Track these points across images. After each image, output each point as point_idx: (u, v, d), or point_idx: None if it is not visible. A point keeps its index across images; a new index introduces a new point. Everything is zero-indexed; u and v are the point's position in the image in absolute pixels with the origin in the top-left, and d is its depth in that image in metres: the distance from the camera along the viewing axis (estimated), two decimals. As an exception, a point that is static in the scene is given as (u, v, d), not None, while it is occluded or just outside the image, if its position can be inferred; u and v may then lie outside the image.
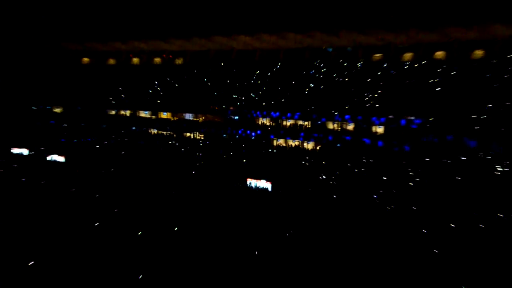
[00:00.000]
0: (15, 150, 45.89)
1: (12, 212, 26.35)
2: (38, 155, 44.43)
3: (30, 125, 50.54)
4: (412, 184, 30.28)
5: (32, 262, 18.36)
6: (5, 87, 53.26)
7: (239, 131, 42.35)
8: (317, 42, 44.37)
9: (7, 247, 20.54)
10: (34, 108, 53.22)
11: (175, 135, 45.06)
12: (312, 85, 41.34)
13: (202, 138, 43.90)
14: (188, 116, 46.61)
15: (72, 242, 21.82)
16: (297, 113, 40.29)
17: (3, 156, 44.36)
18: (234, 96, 43.53)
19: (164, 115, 47.49)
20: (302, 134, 39.75)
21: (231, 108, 43.39)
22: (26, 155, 45.29)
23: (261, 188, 33.54)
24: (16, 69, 54.83)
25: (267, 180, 33.67)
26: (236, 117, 43.29)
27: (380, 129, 36.71)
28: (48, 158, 43.61)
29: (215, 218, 26.82)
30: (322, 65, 44.01)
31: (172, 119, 46.75)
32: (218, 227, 25.36)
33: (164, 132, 45.86)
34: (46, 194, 32.03)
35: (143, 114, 48.50)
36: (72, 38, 52.83)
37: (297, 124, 40.71)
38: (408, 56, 41.73)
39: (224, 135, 42.88)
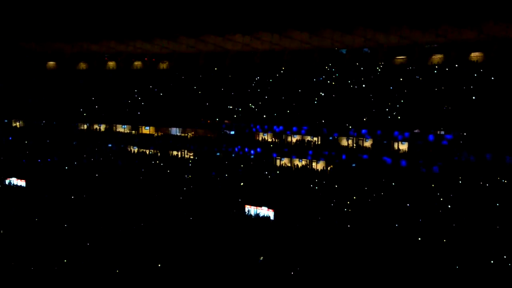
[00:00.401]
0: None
1: None
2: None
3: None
4: (442, 212, 30.54)
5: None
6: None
7: (236, 149, 42.99)
8: (327, 42, 45.27)
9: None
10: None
11: (159, 154, 45.76)
12: (322, 94, 42.07)
13: (192, 157, 44.57)
14: (175, 131, 47.39)
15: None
16: (304, 127, 40.97)
17: None
18: (229, 107, 44.25)
19: (146, 129, 48.31)
20: (310, 152, 40.39)
21: (226, 121, 44.15)
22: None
23: (262, 217, 34.12)
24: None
25: (269, 207, 34.19)
26: (232, 132, 44.03)
27: (403, 146, 37.34)
28: (6, 181, 44.30)
29: (207, 253, 27.41)
30: (333, 69, 44.76)
31: (155, 134, 47.57)
32: (210, 263, 25.93)
33: (146, 150, 46.60)
34: (3, 224, 32.59)
35: (121, 128, 49.35)
36: (34, 36, 53.68)
37: (304, 140, 41.43)
38: (437, 58, 42.56)
39: (218, 154, 43.52)
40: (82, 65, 56.74)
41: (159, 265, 25.43)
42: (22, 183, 43.80)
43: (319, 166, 40.25)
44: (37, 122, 51.84)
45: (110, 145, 48.07)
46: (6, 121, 53.31)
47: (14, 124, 53.20)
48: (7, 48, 56.09)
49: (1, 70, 56.46)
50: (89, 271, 24.94)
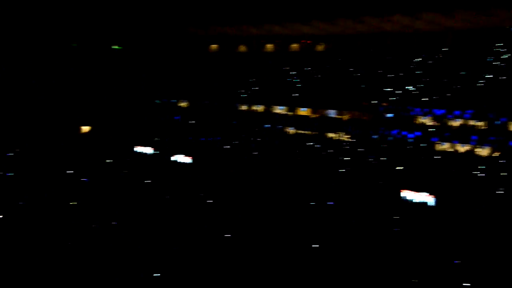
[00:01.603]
0: (139, 149, 52.53)
1: (132, 215, 30.76)
2: (162, 155, 50.34)
3: (154, 121, 57.10)
4: None
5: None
6: (127, 79, 60.78)
7: (393, 132, 43.50)
8: (496, 21, 43.74)
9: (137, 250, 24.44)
10: (158, 102, 60.07)
11: (315, 135, 47.69)
12: (491, 76, 41.02)
13: (348, 139, 45.88)
14: (331, 113, 49.00)
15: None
16: (468, 111, 40.33)
17: (127, 156, 50.96)
18: (387, 89, 44.77)
19: (303, 111, 50.47)
20: (474, 137, 39.77)
21: (384, 104, 44.72)
22: (150, 155, 51.53)
23: (420, 203, 34.60)
24: (138, 59, 62.16)
25: (429, 194, 34.55)
26: (390, 115, 44.51)
27: None
28: (173, 158, 49.13)
29: (361, 237, 28.52)
30: (504, 49, 43.29)
31: (312, 116, 49.49)
32: (365, 248, 26.98)
33: (303, 131, 48.75)
34: (173, 198, 36.19)
35: (278, 110, 52.03)
36: (201, 21, 58.37)
37: (466, 124, 40.81)
38: None
39: (375, 136, 44.31)
40: (242, 48, 60.15)
41: (315, 246, 26.70)
42: (188, 160, 48.20)
43: (484, 152, 39.50)
44: (200, 103, 56.57)
45: (267, 126, 50.96)
46: (173, 101, 58.99)
47: (180, 104, 58.60)
48: (175, 33, 61.29)
49: (170, 54, 61.92)
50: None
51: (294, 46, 56.86)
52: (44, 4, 52.79)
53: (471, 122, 40.31)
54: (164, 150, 50.71)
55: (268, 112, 52.25)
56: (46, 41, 57.93)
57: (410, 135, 42.38)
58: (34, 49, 56.54)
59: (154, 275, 20.17)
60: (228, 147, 48.59)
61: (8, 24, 53.55)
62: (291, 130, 49.60)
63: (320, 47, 55.29)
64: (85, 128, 57.96)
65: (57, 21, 56.42)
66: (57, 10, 54.54)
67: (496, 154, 38.06)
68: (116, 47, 63.31)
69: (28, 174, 40.24)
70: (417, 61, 46.18)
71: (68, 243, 24.46)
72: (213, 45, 62.37)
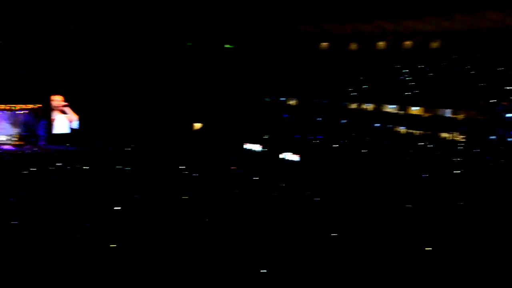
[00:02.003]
0: (248, 146, 53.98)
1: (239, 211, 31.59)
2: (271, 152, 51.36)
3: (263, 119, 58.31)
4: None
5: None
6: (238, 77, 62.46)
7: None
8: None
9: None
10: (267, 100, 61.27)
11: (427, 135, 46.39)
12: None
13: (462, 139, 44.23)
14: (445, 112, 47.38)
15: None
16: None
17: (236, 153, 52.53)
18: (507, 87, 42.73)
19: (415, 110, 49.27)
20: None
21: (504, 103, 42.70)
22: (258, 152, 52.79)
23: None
24: (249, 57, 63.62)
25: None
26: (510, 115, 42.46)
27: None
28: (281, 156, 49.97)
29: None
30: None
31: (424, 115, 48.22)
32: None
33: (414, 131, 47.66)
34: (280, 195, 36.81)
35: (389, 108, 51.20)
36: (311, 20, 58.61)
37: None
38: None
39: (492, 137, 42.47)
40: (353, 46, 59.74)
41: (429, 249, 25.79)
42: (296, 157, 48.81)
43: None
44: (309, 101, 56.99)
45: (377, 125, 50.34)
46: (282, 99, 59.97)
47: (289, 103, 59.44)
48: (286, 32, 62.18)
49: (280, 52, 62.90)
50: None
51: (407, 43, 55.54)
52: (160, 4, 55.62)
53: None
54: (273, 148, 51.77)
55: (378, 110, 51.66)
56: (163, 41, 61.00)
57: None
58: (152, 49, 59.76)
59: (261, 271, 20.74)
60: (337, 146, 48.64)
61: (129, 25, 57.02)
62: (402, 130, 48.70)
63: (435, 44, 53.59)
64: (197, 125, 60.40)
65: (174, 22, 59.20)
66: (174, 11, 57.23)
67: None
68: (228, 46, 65.25)
69: (144, 169, 42.78)
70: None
71: (176, 235, 25.81)
72: (323, 43, 62.43)
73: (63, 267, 20.22)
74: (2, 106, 54.45)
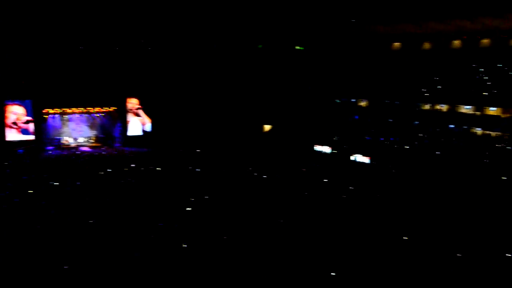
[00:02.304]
0: (318, 148, 53.88)
1: (307, 213, 31.50)
2: (340, 154, 51.02)
3: (333, 121, 58.02)
4: None
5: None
6: (309, 79, 62.44)
7: None
8: None
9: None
10: (337, 101, 60.91)
11: (506, 136, 44.69)
12: None
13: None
14: (524, 112, 45.48)
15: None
16: None
17: (306, 154, 52.53)
18: None
19: (492, 110, 47.49)
20: None
21: None
22: (328, 153, 52.58)
23: None
24: (319, 59, 63.46)
25: None
26: None
27: None
28: (352, 157, 49.52)
29: None
30: None
31: (503, 115, 46.39)
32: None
33: (491, 133, 46.02)
34: (349, 197, 36.48)
35: (464, 109, 49.63)
36: (383, 20, 57.70)
37: None
38: None
39: None
40: (426, 45, 58.30)
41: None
42: (366, 159, 48.24)
43: None
44: (381, 102, 56.14)
45: (452, 126, 48.95)
46: (353, 100, 59.45)
47: (360, 104, 58.83)
48: (357, 32, 61.62)
49: (351, 52, 62.40)
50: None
51: (485, 41, 53.50)
52: (232, 7, 56.44)
53: None
54: (343, 149, 51.43)
55: (452, 111, 50.22)
56: (235, 44, 61.89)
57: None
58: (224, 51, 60.79)
59: (332, 274, 20.70)
60: (408, 147, 47.67)
61: (201, 28, 58.23)
62: (478, 131, 47.15)
63: (515, 42, 51.34)
64: (267, 127, 60.82)
65: (246, 24, 59.95)
66: (246, 13, 57.96)
67: None
68: (299, 47, 65.36)
69: (214, 170, 43.54)
70: None
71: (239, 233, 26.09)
72: (395, 43, 61.32)
73: (138, 265, 20.94)
74: (80, 110, 56.84)
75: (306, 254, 23.31)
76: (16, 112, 51.60)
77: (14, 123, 51.39)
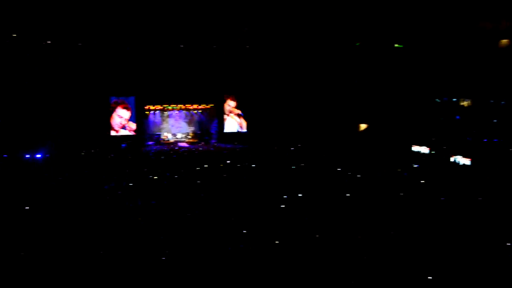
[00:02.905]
0: (415, 148, 52.52)
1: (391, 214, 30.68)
2: (439, 155, 49.42)
3: (432, 120, 56.30)
4: None
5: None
6: (408, 77, 60.99)
7: None
8: None
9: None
10: (438, 100, 58.94)
11: None
12: None
13: None
14: None
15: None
16: None
17: (403, 154, 51.44)
18: None
19: None
20: None
21: None
22: (426, 154, 51.14)
23: None
24: (420, 57, 61.78)
25: None
26: None
27: None
28: (452, 159, 47.84)
29: None
30: None
31: None
32: None
33: None
34: (448, 200, 35.23)
35: None
36: (490, 16, 55.23)
37: None
38: None
39: None
40: (536, 42, 55.26)
41: None
42: (467, 161, 46.48)
43: None
44: (484, 101, 53.74)
45: None
46: (454, 100, 57.32)
47: (462, 103, 56.64)
48: (462, 28, 59.44)
49: (455, 50, 60.26)
50: None
51: None
52: (329, 4, 56.34)
53: None
54: (442, 150, 49.84)
55: None
56: (332, 41, 61.76)
57: None
58: (321, 49, 60.80)
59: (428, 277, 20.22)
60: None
61: (298, 26, 58.60)
62: None
63: None
64: (363, 126, 60.13)
65: (344, 21, 59.63)
66: (342, 11, 57.66)
67: None
68: (398, 45, 64.06)
69: (308, 168, 43.69)
70: None
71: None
72: (503, 40, 58.36)
73: (229, 259, 21.46)
74: (179, 106, 59.05)
75: (403, 257, 22.79)
76: (121, 115, 54.37)
77: (123, 127, 54.24)
